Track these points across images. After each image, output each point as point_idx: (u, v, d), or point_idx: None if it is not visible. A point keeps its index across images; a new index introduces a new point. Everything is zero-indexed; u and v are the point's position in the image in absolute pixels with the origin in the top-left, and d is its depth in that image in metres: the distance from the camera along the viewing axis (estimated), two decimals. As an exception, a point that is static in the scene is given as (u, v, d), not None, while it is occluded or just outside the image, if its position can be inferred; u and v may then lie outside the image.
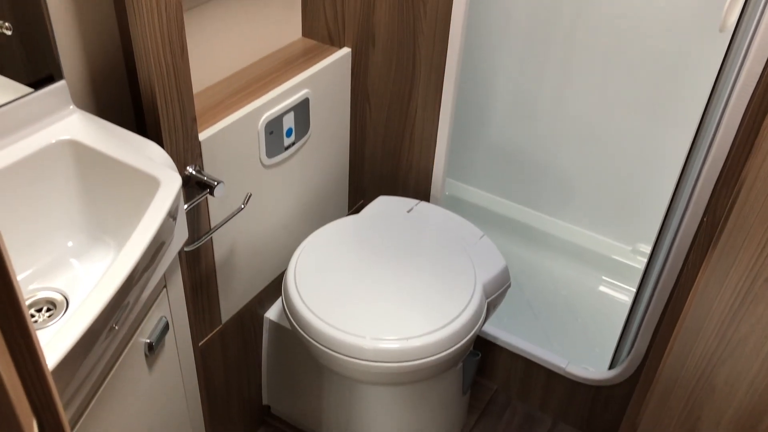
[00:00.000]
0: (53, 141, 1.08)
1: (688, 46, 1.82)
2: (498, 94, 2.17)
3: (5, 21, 1.03)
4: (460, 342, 1.45)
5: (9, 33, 1.04)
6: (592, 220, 2.23)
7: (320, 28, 1.69)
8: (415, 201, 1.80)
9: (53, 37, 1.09)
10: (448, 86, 1.72)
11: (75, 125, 1.12)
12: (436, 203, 1.92)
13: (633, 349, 1.67)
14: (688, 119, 1.92)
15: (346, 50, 1.68)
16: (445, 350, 1.43)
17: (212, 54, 1.47)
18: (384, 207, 1.78)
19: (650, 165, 2.04)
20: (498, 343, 1.88)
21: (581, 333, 2.09)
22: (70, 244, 1.10)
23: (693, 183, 1.38)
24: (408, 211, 1.76)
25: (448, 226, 1.72)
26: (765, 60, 1.19)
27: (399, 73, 1.78)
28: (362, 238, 1.65)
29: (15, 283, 0.41)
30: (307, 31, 1.71)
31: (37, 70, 1.09)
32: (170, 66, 1.18)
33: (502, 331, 1.88)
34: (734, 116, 1.24)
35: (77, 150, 1.09)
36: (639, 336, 1.64)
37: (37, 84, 1.09)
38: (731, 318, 1.04)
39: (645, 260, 1.62)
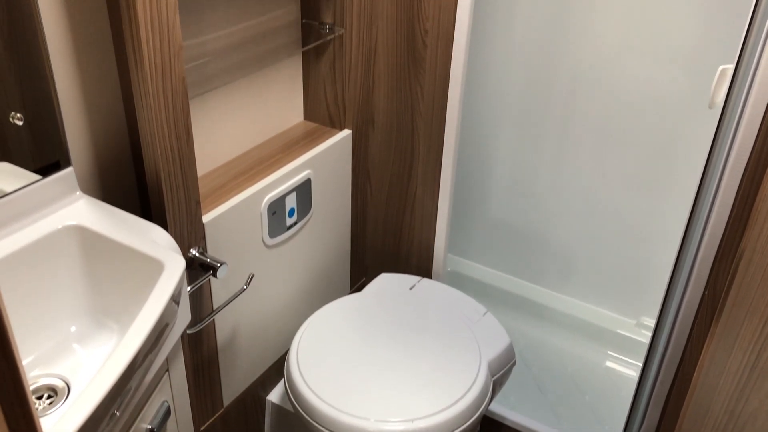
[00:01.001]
0: (60, 227, 1.10)
1: (682, 123, 1.87)
2: (497, 170, 2.21)
3: (17, 112, 1.06)
4: (466, 422, 1.43)
5: (20, 123, 1.07)
6: (595, 294, 2.23)
7: (321, 111, 1.74)
8: (417, 278, 1.81)
9: (62, 126, 1.12)
10: (447, 164, 1.75)
11: (81, 211, 1.14)
12: (439, 279, 1.92)
13: (643, 426, 1.63)
14: (685, 194, 1.94)
15: (346, 132, 1.73)
16: (452, 431, 1.40)
17: (216, 138, 1.51)
18: (386, 284, 1.79)
19: (650, 238, 2.06)
20: (506, 422, 1.84)
21: (590, 410, 2.05)
22: (73, 329, 1.10)
23: (692, 257, 1.38)
24: (410, 288, 1.77)
25: (451, 302, 1.72)
26: (755, 136, 1.22)
27: (398, 152, 1.82)
28: (365, 316, 1.64)
29: (22, 374, 0.41)
30: (308, 114, 1.76)
31: (46, 158, 1.12)
32: (175, 152, 1.21)
33: (510, 411, 1.85)
34: (729, 191, 1.26)
35: (83, 235, 1.11)
36: (648, 412, 1.61)
37: (45, 170, 1.12)
38: (740, 393, 1.02)
39: (650, 334, 1.61)
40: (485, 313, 1.69)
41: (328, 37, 1.64)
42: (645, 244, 2.08)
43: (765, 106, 1.19)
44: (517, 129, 2.12)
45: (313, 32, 1.66)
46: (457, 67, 1.63)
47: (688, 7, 1.73)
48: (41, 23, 1.06)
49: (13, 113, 1.06)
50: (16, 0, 1.01)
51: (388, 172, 1.86)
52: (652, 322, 2.13)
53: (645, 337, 2.15)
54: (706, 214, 1.33)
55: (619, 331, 2.19)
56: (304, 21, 1.65)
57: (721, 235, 1.30)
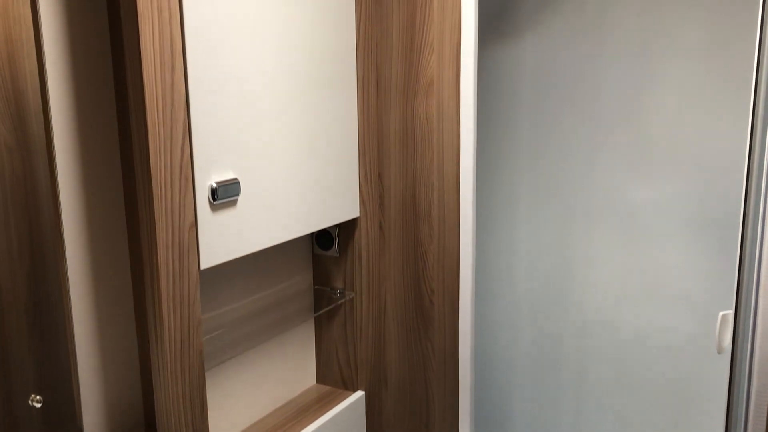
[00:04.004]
0: None
1: (692, 366, 1.86)
2: (516, 407, 2.15)
3: (37, 394, 1.08)
4: None
5: (39, 406, 1.08)
6: None
7: (334, 374, 1.75)
8: None
9: (79, 405, 1.13)
10: (464, 419, 1.71)
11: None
12: None
13: None
14: (713, 439, 1.87)
15: (359, 394, 1.72)
16: None
17: (229, 409, 1.50)
18: None
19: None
20: None
21: None
22: None
23: None
24: None
25: None
26: (769, 380, 1.21)
27: (413, 412, 1.79)
28: None
29: None
30: (321, 377, 1.77)
31: (60, 440, 1.11)
32: (189, 425, 1.20)
33: None
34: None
35: None
36: None
37: (57, 454, 1.10)
38: None
39: None
40: None
41: (339, 301, 1.71)
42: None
43: (772, 350, 1.21)
44: (532, 384, 2.10)
45: (324, 297, 1.73)
46: (465, 323, 1.68)
47: (685, 255, 1.82)
48: (70, 307, 1.12)
49: (33, 395, 1.08)
50: (44, 283, 1.08)
51: (404, 432, 1.81)
52: None
53: None
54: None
55: None
56: (316, 287, 1.74)
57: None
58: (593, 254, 1.94)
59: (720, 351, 1.32)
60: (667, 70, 1.79)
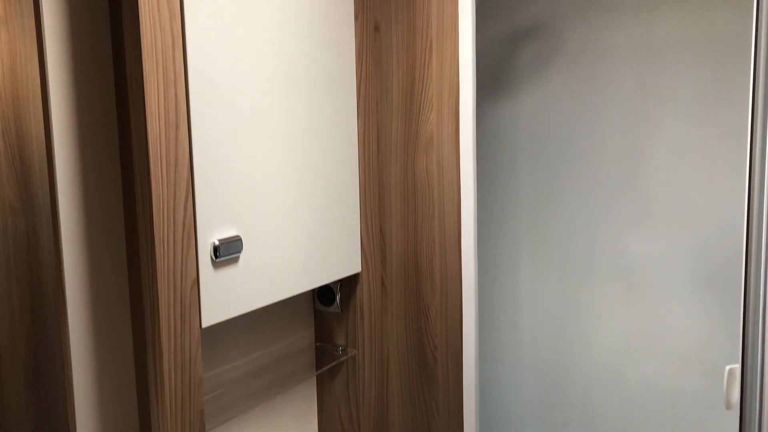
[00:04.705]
0: None
1: (705, 423, 1.83)
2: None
3: (34, 457, 1.06)
4: None
5: (36, 469, 1.06)
6: None
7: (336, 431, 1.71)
8: None
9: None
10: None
11: None
12: None
13: None
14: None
15: (362, 453, 1.68)
16: None
17: (230, 469, 1.47)
18: None
19: None
20: None
21: None
22: None
23: None
24: None
25: None
26: (781, 436, 1.19)
27: (417, 472, 1.75)
28: None
29: None
30: (323, 437, 1.74)
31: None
32: (189, 489, 1.18)
33: None
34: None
35: None
36: None
37: None
38: None
39: None
40: None
41: (342, 359, 1.69)
42: None
43: (782, 405, 1.19)
44: (536, 437, 2.06)
45: (326, 354, 1.72)
46: (469, 379, 1.65)
47: (689, 310, 1.81)
48: (70, 368, 1.11)
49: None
50: (44, 344, 1.07)
51: (408, 493, 1.77)
52: None
53: None
54: None
55: None
56: (318, 344, 1.72)
57: None
58: (597, 310, 1.93)
59: (729, 407, 1.30)
60: (663, 127, 1.82)
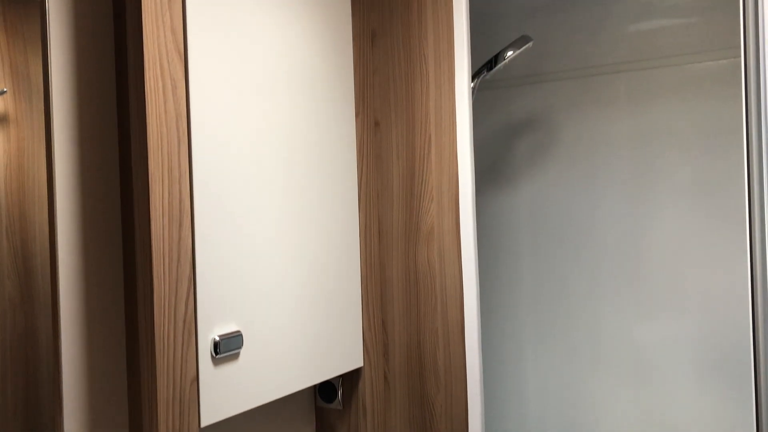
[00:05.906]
0: None
1: None
2: None
3: None
4: None
5: None
6: None
7: None
8: None
9: None
10: None
11: None
12: None
13: None
14: None
15: None
16: None
17: None
18: None
19: None
20: None
21: None
22: None
23: None
24: None
25: None
26: None
27: None
28: None
29: None
30: None
31: None
32: None
33: None
34: None
35: None
36: None
37: None
38: None
39: None
40: None
41: (344, 457, 1.63)
42: None
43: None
44: None
45: (328, 453, 1.66)
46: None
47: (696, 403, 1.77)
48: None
49: None
50: None
51: None
52: None
53: None
54: None
55: None
56: (319, 442, 1.67)
57: None
58: (601, 397, 1.89)
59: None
60: (663, 213, 1.84)
